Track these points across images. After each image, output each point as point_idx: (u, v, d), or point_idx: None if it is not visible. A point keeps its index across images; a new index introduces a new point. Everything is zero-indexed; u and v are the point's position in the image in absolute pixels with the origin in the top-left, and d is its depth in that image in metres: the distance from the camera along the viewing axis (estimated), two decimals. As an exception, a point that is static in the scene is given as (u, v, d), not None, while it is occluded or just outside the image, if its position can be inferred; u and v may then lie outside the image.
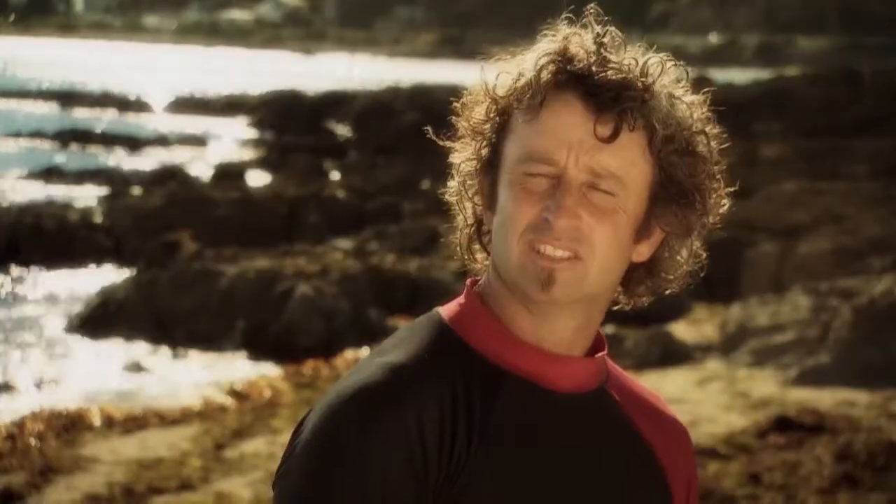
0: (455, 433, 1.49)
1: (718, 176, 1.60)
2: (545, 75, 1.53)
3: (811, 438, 7.85)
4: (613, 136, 1.51)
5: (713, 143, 1.58)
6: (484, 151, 1.59)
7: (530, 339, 1.56)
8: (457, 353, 1.55)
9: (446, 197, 1.65)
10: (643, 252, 1.59)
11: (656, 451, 1.63)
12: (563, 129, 1.51)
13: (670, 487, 1.63)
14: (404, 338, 1.57)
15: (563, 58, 1.53)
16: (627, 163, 1.52)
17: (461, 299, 1.61)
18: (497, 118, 1.57)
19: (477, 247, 1.64)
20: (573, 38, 1.55)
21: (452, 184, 1.64)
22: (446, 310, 1.60)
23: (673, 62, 1.57)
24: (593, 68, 1.52)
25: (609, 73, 1.52)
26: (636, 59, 1.54)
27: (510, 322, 1.56)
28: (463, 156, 1.61)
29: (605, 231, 1.52)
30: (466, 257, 1.64)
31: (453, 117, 1.61)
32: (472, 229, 1.64)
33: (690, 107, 1.56)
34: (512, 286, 1.55)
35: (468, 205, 1.63)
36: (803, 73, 37.64)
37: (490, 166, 1.58)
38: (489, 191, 1.59)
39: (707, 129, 1.58)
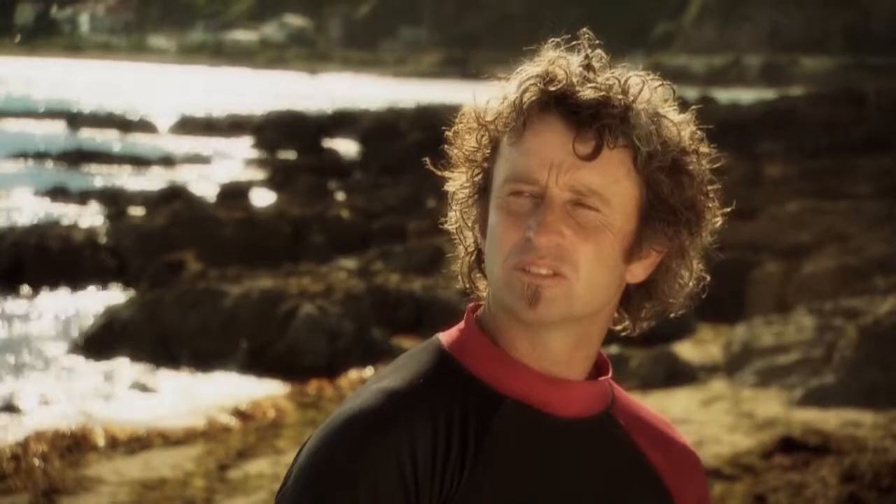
0: (448, 458, 1.50)
1: (711, 195, 1.59)
2: (527, 97, 1.54)
3: (816, 459, 7.82)
4: (594, 153, 1.51)
5: (704, 162, 1.58)
6: (477, 178, 1.60)
7: (529, 361, 1.56)
8: (454, 378, 1.55)
9: (446, 226, 1.66)
10: (638, 273, 1.58)
11: (663, 478, 1.62)
12: (545, 149, 1.52)
13: None
14: (403, 364, 1.58)
15: (545, 79, 1.54)
16: (610, 180, 1.52)
17: (461, 325, 1.61)
18: (487, 144, 1.59)
19: (478, 274, 1.64)
20: (557, 60, 1.56)
21: (452, 214, 1.64)
22: (446, 336, 1.61)
23: (659, 82, 1.57)
24: (573, 88, 1.53)
25: (588, 91, 1.53)
26: (618, 77, 1.55)
27: (509, 346, 1.56)
28: (457, 184, 1.62)
29: (590, 249, 1.52)
30: (468, 285, 1.65)
31: (446, 146, 1.63)
32: (473, 257, 1.64)
33: (678, 125, 1.56)
34: (503, 307, 1.55)
35: (468, 233, 1.63)
36: (807, 92, 37.71)
37: (483, 192, 1.60)
38: (483, 217, 1.60)
39: (697, 147, 1.57)
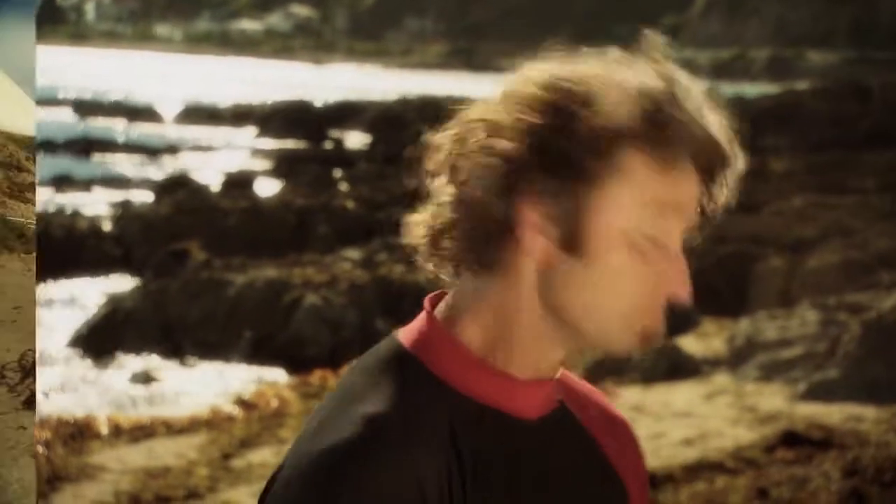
0: (451, 483, 1.41)
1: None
2: (688, 134, 1.43)
3: (819, 453, 7.83)
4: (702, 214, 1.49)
5: None
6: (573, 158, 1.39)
7: (520, 370, 1.47)
8: (433, 392, 1.44)
9: (425, 173, 1.49)
10: None
11: (612, 462, 1.59)
12: (689, 201, 1.46)
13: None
14: (374, 380, 1.43)
15: (701, 129, 1.45)
16: None
17: (423, 326, 1.48)
18: (602, 140, 1.39)
19: (445, 250, 1.44)
20: (677, 78, 1.44)
21: (438, 186, 1.48)
22: (409, 340, 1.47)
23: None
24: (729, 158, 1.49)
25: (736, 163, 1.51)
26: (729, 129, 1.51)
27: (505, 358, 1.46)
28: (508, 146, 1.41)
29: None
30: (430, 262, 1.46)
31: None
32: (436, 233, 1.44)
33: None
34: (591, 338, 1.45)
35: (480, 195, 1.41)
36: (813, 87, 37.60)
37: (571, 190, 1.39)
38: (564, 218, 1.40)
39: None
